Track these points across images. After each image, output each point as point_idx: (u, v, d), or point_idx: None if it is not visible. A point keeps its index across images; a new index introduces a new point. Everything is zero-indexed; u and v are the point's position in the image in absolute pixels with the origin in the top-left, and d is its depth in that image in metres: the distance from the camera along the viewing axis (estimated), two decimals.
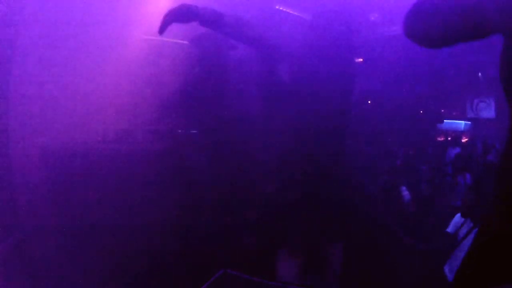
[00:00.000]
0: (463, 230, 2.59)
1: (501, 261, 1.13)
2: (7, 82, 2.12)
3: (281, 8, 2.73)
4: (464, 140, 4.38)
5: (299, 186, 1.99)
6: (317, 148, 1.93)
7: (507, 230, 1.13)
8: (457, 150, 4.17)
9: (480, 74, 4.09)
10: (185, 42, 2.57)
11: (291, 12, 2.69)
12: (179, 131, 2.67)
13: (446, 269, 2.50)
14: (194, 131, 2.67)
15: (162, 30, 1.73)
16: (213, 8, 1.76)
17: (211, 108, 2.47)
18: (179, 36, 2.57)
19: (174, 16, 1.71)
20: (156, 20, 1.87)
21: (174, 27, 1.82)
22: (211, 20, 1.75)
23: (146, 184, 2.34)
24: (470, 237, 2.40)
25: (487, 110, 4.18)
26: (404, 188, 3.40)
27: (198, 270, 2.01)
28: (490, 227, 1.21)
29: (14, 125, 2.15)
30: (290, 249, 2.03)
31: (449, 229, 2.73)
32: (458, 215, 2.73)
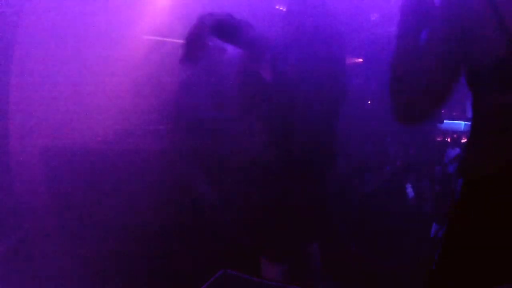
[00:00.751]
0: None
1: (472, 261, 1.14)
2: (7, 82, 2.12)
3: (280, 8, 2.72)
4: (464, 140, 4.36)
5: (290, 185, 1.98)
6: (305, 145, 1.91)
7: (472, 228, 1.14)
8: (457, 150, 4.16)
9: None
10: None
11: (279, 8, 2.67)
12: (179, 131, 2.67)
13: None
14: (193, 131, 2.67)
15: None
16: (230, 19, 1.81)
17: (211, 108, 2.47)
18: (179, 36, 2.56)
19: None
20: (156, 20, 1.87)
21: (175, 27, 1.83)
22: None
23: (146, 184, 2.34)
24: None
25: None
26: (403, 188, 3.40)
27: (198, 270, 2.01)
28: (455, 226, 1.23)
29: (14, 125, 2.15)
30: (283, 250, 2.04)
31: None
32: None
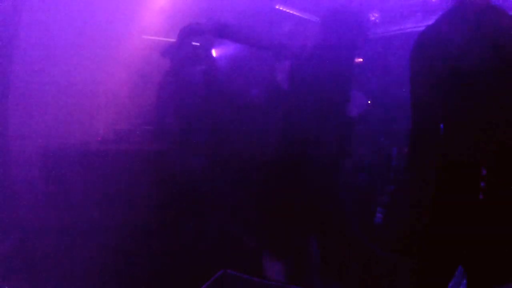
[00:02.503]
0: None
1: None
2: (7, 82, 2.12)
3: (281, 8, 2.73)
4: None
5: (294, 183, 2.00)
6: (316, 149, 1.94)
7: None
8: None
9: None
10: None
11: (292, 12, 2.69)
12: (179, 131, 2.67)
13: None
14: (193, 131, 2.67)
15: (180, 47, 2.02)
16: (219, 22, 1.97)
17: (211, 108, 2.47)
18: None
19: (187, 33, 1.99)
20: (156, 20, 1.88)
21: (175, 28, 1.84)
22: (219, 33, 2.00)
23: (145, 184, 2.34)
24: None
25: None
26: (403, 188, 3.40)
27: (198, 270, 2.01)
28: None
29: (14, 125, 2.15)
30: (285, 246, 2.05)
31: None
32: None
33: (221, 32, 1.97)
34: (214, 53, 2.56)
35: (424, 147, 1.40)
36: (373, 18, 3.47)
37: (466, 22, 1.29)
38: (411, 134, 1.42)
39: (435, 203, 1.33)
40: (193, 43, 2.47)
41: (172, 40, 2.55)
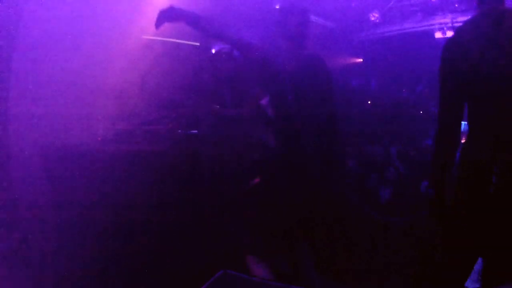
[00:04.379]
0: None
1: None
2: (7, 82, 2.12)
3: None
4: (464, 140, 4.37)
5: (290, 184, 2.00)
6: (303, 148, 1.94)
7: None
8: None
9: None
10: (185, 42, 2.57)
11: None
12: (179, 131, 2.67)
13: None
14: (193, 131, 2.67)
15: (157, 27, 1.94)
16: (195, 12, 1.93)
17: (209, 108, 2.47)
18: (179, 36, 2.57)
19: (164, 17, 1.90)
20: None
21: (174, 28, 1.85)
22: (192, 22, 1.95)
23: (145, 184, 2.34)
24: None
25: None
26: (403, 188, 3.41)
27: (198, 270, 2.01)
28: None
29: (14, 125, 2.15)
30: (279, 248, 2.06)
31: None
32: None
33: (195, 23, 1.94)
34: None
35: (447, 144, 1.52)
36: (373, 18, 3.48)
37: (488, 27, 1.37)
38: (436, 131, 1.53)
39: (455, 197, 1.43)
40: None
41: (172, 40, 2.56)
